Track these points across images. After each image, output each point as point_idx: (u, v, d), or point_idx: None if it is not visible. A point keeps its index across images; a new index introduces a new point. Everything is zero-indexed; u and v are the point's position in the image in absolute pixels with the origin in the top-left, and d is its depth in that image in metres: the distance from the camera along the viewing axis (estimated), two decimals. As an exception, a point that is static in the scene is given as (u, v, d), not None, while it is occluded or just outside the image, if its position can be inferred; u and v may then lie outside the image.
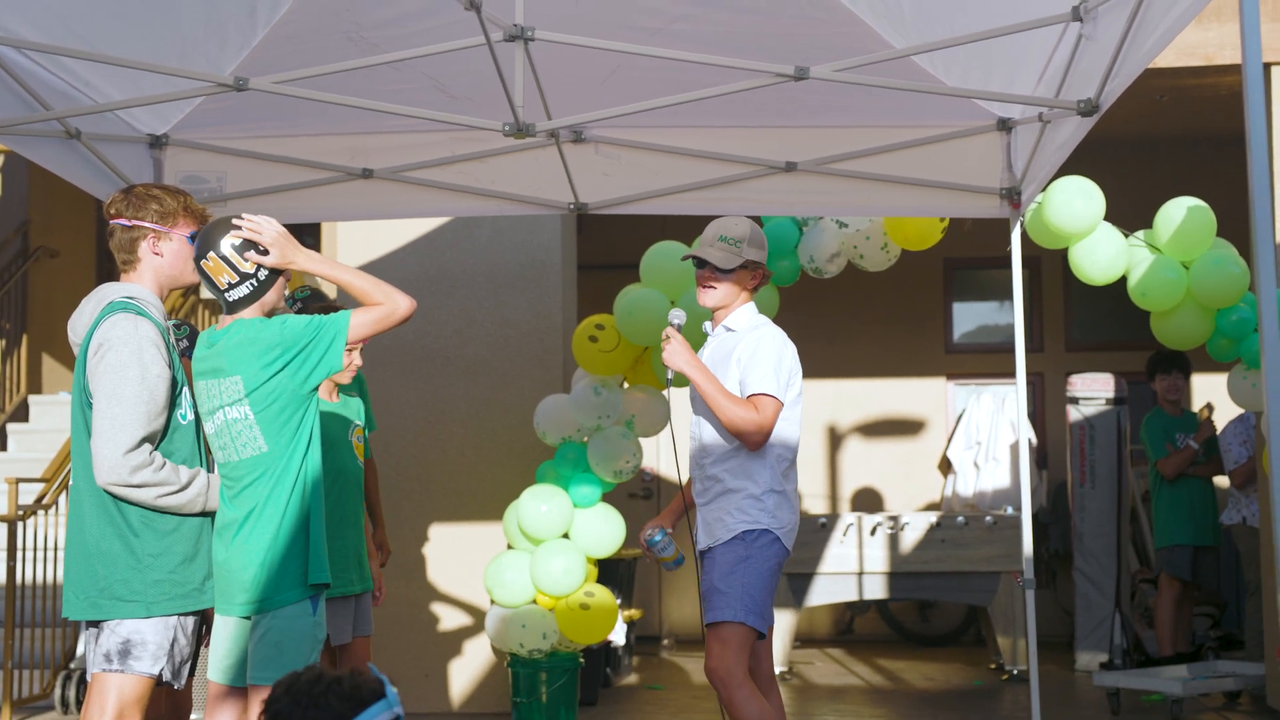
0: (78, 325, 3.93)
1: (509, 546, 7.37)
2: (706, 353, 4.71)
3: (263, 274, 3.77)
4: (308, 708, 2.17)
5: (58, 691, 7.85)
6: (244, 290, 3.76)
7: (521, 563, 7.13)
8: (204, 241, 3.78)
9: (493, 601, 7.24)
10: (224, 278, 3.74)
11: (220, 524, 3.75)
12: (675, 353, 4.56)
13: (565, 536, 7.20)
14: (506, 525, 7.29)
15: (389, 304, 3.73)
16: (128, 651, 3.73)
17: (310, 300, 5.80)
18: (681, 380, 5.00)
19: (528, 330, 8.14)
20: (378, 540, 5.83)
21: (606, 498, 7.43)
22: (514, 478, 7.72)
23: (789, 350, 4.59)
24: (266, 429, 3.68)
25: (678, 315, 4.68)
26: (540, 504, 7.08)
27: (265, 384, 3.67)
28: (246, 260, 3.74)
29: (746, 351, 4.54)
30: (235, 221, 3.76)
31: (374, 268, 8.10)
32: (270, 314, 3.81)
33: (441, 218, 8.08)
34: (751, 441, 4.47)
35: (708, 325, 4.76)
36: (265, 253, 3.74)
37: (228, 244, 3.75)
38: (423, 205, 6.21)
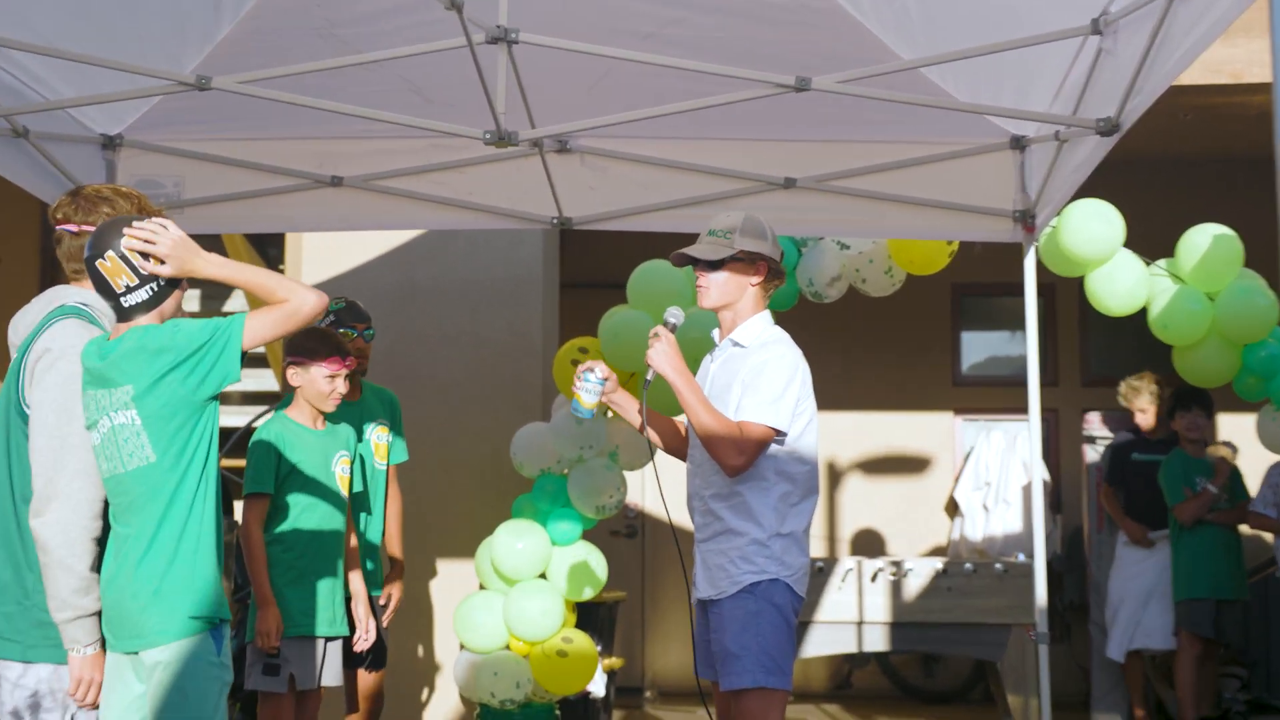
0: (20, 325, 3.84)
1: (481, 586, 7.35)
2: (711, 369, 4.57)
3: (163, 280, 3.63)
4: None
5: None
6: (143, 295, 3.59)
7: (494, 604, 7.11)
8: (101, 239, 3.60)
9: (462, 646, 7.22)
10: (122, 279, 3.57)
11: (107, 548, 3.59)
12: (661, 353, 4.40)
13: (542, 576, 7.18)
14: (479, 563, 7.28)
15: (293, 300, 3.54)
16: (38, 705, 3.62)
17: (345, 314, 5.77)
18: (661, 386, 4.84)
19: (505, 351, 8.13)
20: (386, 581, 5.88)
21: (588, 535, 7.41)
22: (488, 511, 7.70)
23: (800, 374, 4.43)
24: (155, 437, 3.52)
25: (675, 314, 4.53)
26: (516, 541, 7.07)
27: (153, 388, 3.52)
28: (151, 261, 3.60)
29: (751, 372, 4.39)
30: (135, 224, 3.61)
31: (342, 281, 8.10)
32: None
33: (416, 230, 8.09)
34: (728, 468, 4.33)
35: (715, 333, 4.62)
36: (161, 262, 3.59)
37: (130, 242, 3.59)
38: (396, 217, 6.21)
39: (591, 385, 4.51)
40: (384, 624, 5.90)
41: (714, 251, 4.47)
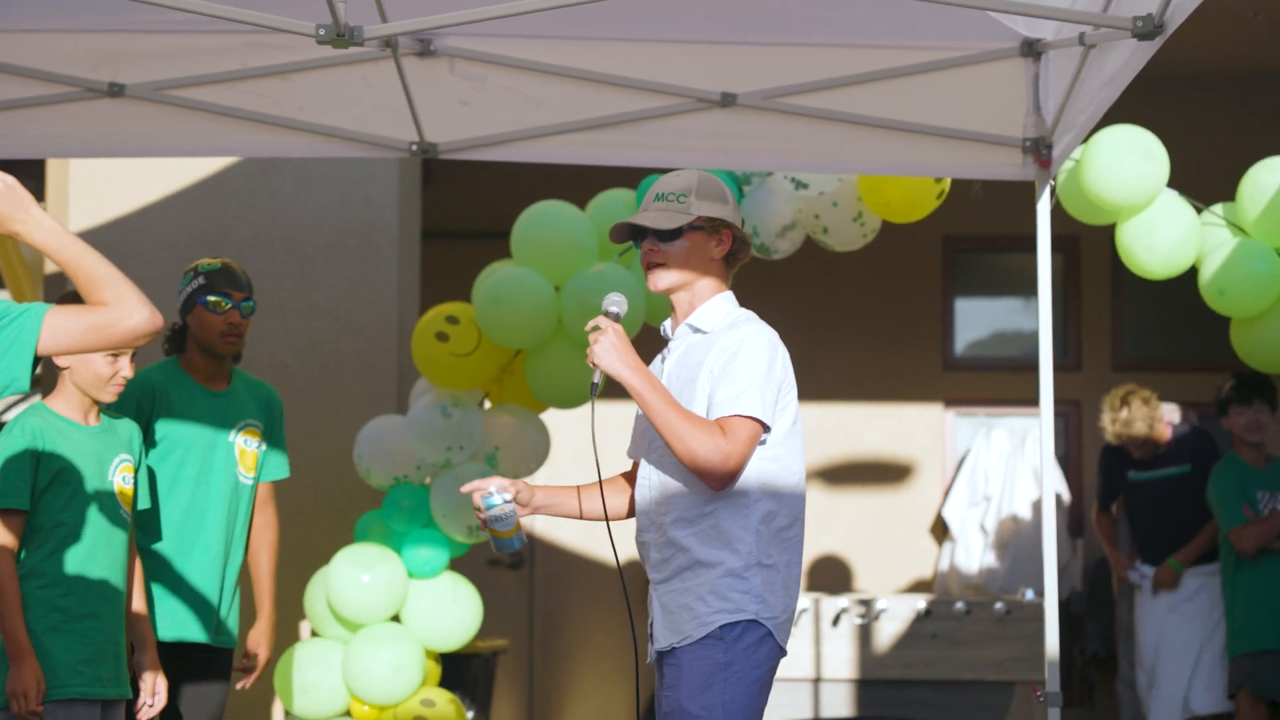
0: None
1: (313, 633, 7.33)
2: (665, 367, 4.65)
3: None
4: None
5: None
6: None
7: (330, 657, 7.11)
8: None
9: (288, 713, 7.19)
10: None
11: None
12: (609, 349, 4.44)
13: (395, 619, 7.19)
14: (310, 603, 7.27)
15: (116, 309, 3.60)
16: None
17: (218, 278, 5.80)
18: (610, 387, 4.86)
19: (348, 323, 8.13)
20: (252, 639, 6.02)
21: (456, 565, 7.43)
22: (322, 535, 7.71)
23: (781, 357, 4.52)
24: None
25: (616, 301, 4.57)
26: (360, 572, 7.07)
27: None
28: None
29: (721, 358, 4.47)
30: None
31: (123, 229, 8.02)
32: None
33: (225, 158, 8.03)
34: (715, 480, 4.39)
35: (666, 326, 4.71)
36: None
37: None
38: (197, 139, 6.16)
39: (498, 509, 4.56)
40: (243, 686, 6.04)
41: (668, 219, 4.54)
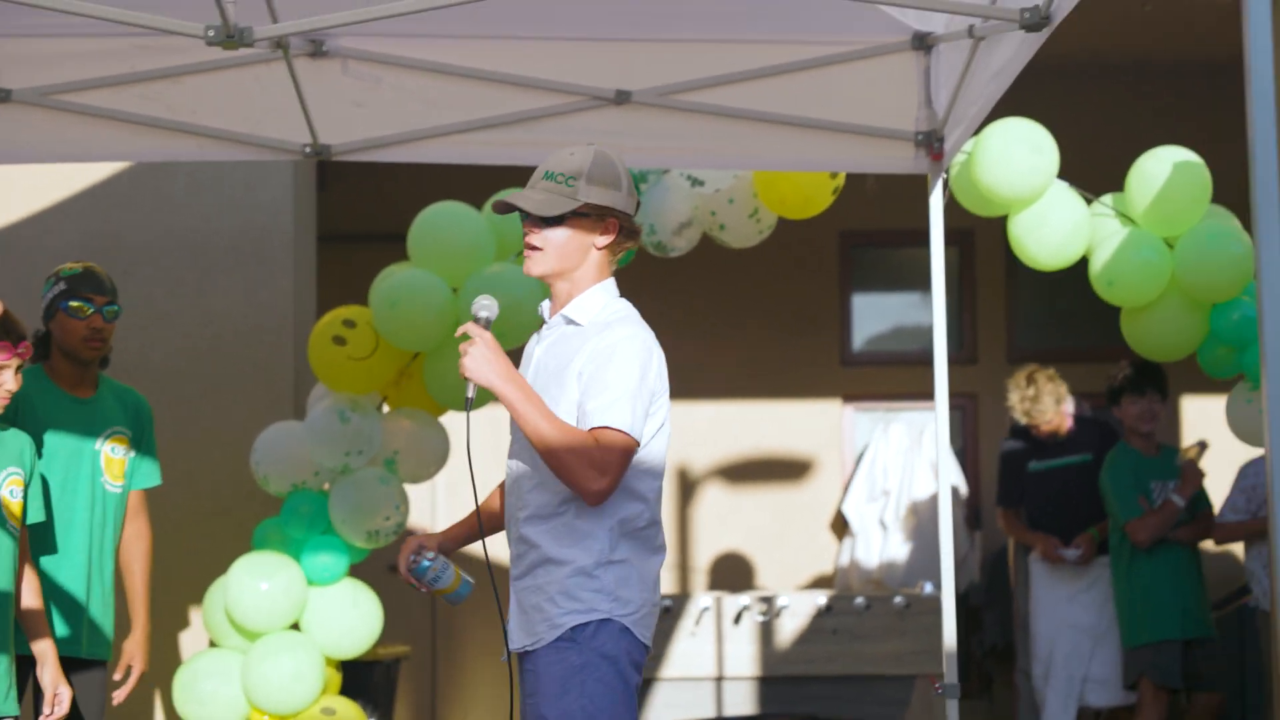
0: None
1: (211, 643, 7.29)
2: (536, 353, 4.58)
3: None
4: None
5: None
6: None
7: (229, 667, 7.07)
8: None
9: (182, 726, 7.15)
10: None
11: None
12: (480, 359, 4.34)
13: (295, 628, 7.16)
14: (207, 612, 7.22)
15: None
16: None
17: (80, 282, 5.80)
18: (487, 398, 4.82)
19: (243, 328, 8.09)
20: (127, 650, 6.01)
21: (356, 571, 7.41)
22: (219, 542, 7.67)
23: (655, 362, 4.45)
24: None
25: (485, 305, 4.49)
26: (258, 580, 7.04)
27: None
28: None
29: (593, 362, 4.38)
30: None
31: (13, 235, 7.95)
32: None
33: (116, 163, 7.98)
34: (590, 494, 4.33)
35: (544, 306, 4.62)
36: None
37: None
38: (86, 144, 6.11)
39: (432, 571, 4.63)
40: (118, 700, 6.02)
41: (551, 205, 4.46)
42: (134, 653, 6.07)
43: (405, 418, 7.33)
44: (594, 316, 4.49)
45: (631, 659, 4.40)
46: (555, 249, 4.48)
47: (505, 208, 4.50)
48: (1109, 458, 8.45)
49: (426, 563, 4.60)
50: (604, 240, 4.52)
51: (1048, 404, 8.71)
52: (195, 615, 7.57)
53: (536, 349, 4.59)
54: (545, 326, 4.60)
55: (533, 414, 4.33)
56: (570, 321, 4.51)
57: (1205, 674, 8.35)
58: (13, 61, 5.87)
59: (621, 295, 4.57)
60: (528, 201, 4.46)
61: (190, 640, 7.66)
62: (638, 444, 4.37)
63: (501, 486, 4.69)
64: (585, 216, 4.47)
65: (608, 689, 4.34)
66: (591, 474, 4.30)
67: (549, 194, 4.47)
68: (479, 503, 4.63)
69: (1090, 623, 8.66)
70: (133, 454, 6.03)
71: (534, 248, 4.48)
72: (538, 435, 4.32)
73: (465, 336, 4.41)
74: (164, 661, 7.62)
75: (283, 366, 8.05)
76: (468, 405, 4.49)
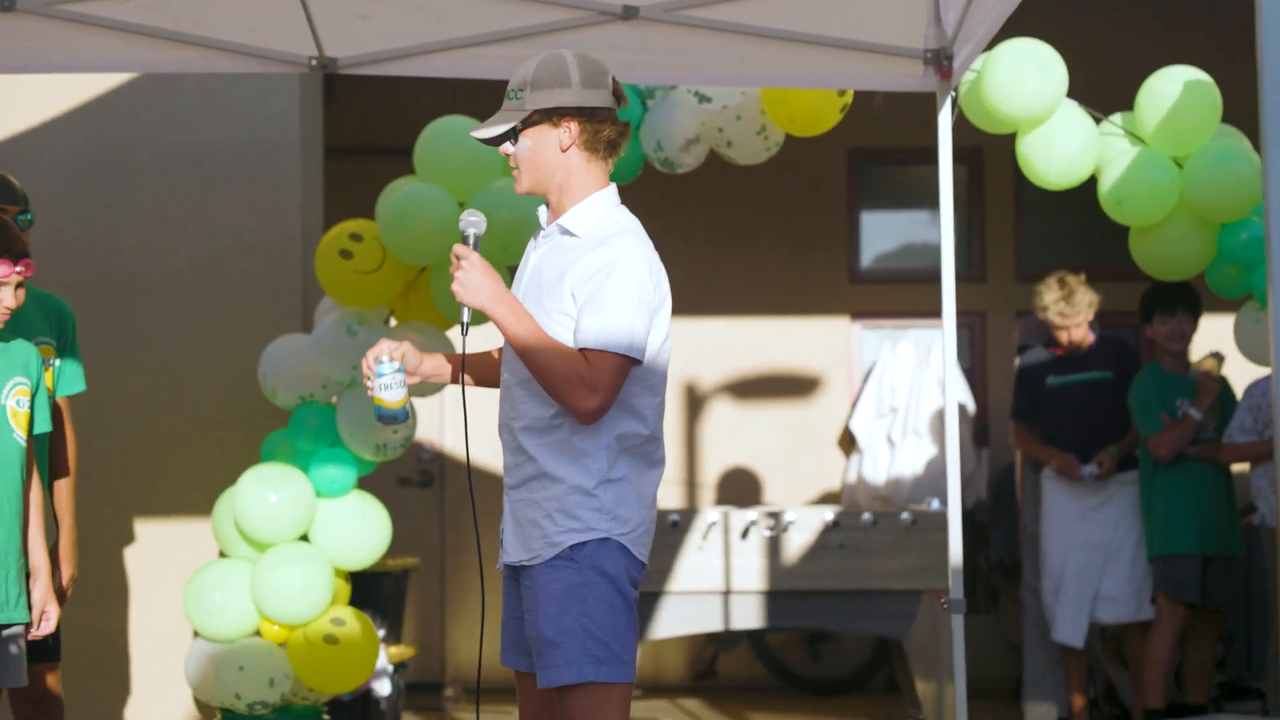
0: None
1: (221, 554, 7.33)
2: (533, 258, 4.53)
3: None
4: None
5: None
6: None
7: (238, 577, 7.09)
8: None
9: (196, 634, 7.19)
10: None
11: None
12: (471, 282, 4.33)
13: (304, 539, 7.18)
14: (217, 523, 7.25)
15: None
16: None
17: None
18: (481, 319, 4.79)
19: (250, 241, 8.08)
20: (59, 550, 5.80)
21: (365, 483, 7.43)
22: (228, 454, 7.68)
23: (653, 274, 4.40)
24: None
25: (473, 221, 4.47)
26: (268, 491, 7.06)
27: None
28: None
29: (586, 277, 4.33)
30: None
31: (18, 145, 7.93)
32: None
33: (121, 74, 7.93)
34: (582, 413, 4.30)
35: (542, 213, 4.56)
36: None
37: None
38: (91, 55, 6.10)
39: (388, 379, 4.45)
40: (57, 613, 5.87)
41: (499, 123, 4.42)
42: (65, 556, 5.92)
43: (412, 331, 7.32)
44: (591, 227, 4.43)
45: (630, 576, 4.40)
46: (525, 164, 4.44)
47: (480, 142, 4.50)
48: (1138, 376, 8.47)
49: (388, 369, 4.45)
50: (568, 140, 4.42)
51: (1080, 304, 8.67)
52: (204, 527, 7.59)
53: (534, 254, 4.55)
54: (541, 234, 4.55)
55: (527, 335, 4.32)
56: (566, 232, 4.45)
57: (1214, 591, 8.37)
58: (17, -29, 5.87)
59: (630, 212, 4.53)
60: (481, 130, 4.45)
61: (202, 549, 7.67)
62: (637, 362, 4.34)
63: (472, 365, 4.65)
64: (538, 124, 4.41)
65: (608, 606, 4.35)
66: (583, 393, 4.28)
67: (502, 113, 4.43)
68: (465, 379, 4.58)
69: (1103, 540, 8.68)
70: (58, 361, 5.86)
71: (513, 169, 4.48)
72: (530, 356, 4.31)
73: (456, 258, 4.37)
74: (177, 572, 7.65)
75: (290, 280, 8.04)
76: (464, 329, 4.46)
